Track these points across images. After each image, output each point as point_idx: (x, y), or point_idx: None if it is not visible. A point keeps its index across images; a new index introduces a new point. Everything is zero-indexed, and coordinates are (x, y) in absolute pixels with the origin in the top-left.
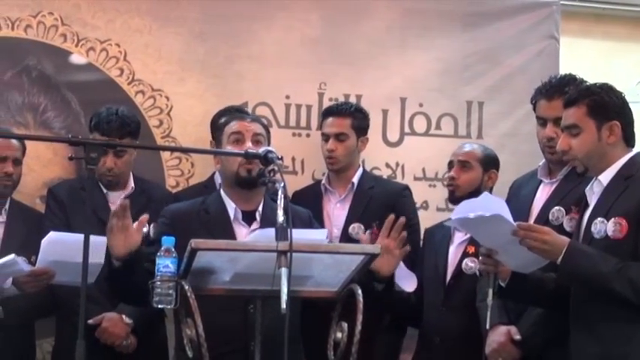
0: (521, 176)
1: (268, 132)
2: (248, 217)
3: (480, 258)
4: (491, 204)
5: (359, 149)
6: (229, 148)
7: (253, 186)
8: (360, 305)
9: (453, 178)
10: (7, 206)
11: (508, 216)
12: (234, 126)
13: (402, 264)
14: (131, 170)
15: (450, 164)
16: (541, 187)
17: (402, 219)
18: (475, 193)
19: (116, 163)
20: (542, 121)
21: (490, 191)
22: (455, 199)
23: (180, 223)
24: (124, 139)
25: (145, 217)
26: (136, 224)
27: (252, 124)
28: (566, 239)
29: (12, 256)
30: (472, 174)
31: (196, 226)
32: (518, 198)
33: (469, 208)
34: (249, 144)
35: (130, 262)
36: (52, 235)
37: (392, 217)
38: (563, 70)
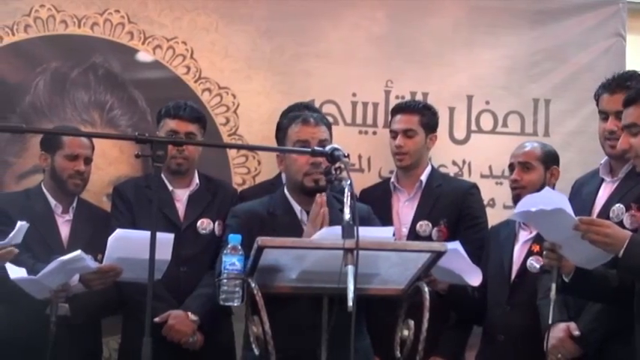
0: (583, 175)
1: (330, 129)
2: None
3: (544, 252)
4: (553, 198)
5: (427, 147)
6: (295, 158)
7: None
8: (427, 303)
9: (516, 180)
10: (74, 204)
11: (569, 210)
12: (299, 132)
13: (467, 258)
14: (196, 165)
15: (511, 166)
16: (603, 185)
17: None
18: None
19: (187, 147)
20: (604, 115)
21: (553, 188)
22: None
23: (254, 224)
24: (194, 125)
25: None
26: None
27: (317, 128)
28: (628, 233)
29: (78, 251)
30: (535, 174)
31: (267, 230)
32: (581, 196)
33: (531, 203)
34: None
35: None
36: (119, 232)
37: None
38: (630, 68)
